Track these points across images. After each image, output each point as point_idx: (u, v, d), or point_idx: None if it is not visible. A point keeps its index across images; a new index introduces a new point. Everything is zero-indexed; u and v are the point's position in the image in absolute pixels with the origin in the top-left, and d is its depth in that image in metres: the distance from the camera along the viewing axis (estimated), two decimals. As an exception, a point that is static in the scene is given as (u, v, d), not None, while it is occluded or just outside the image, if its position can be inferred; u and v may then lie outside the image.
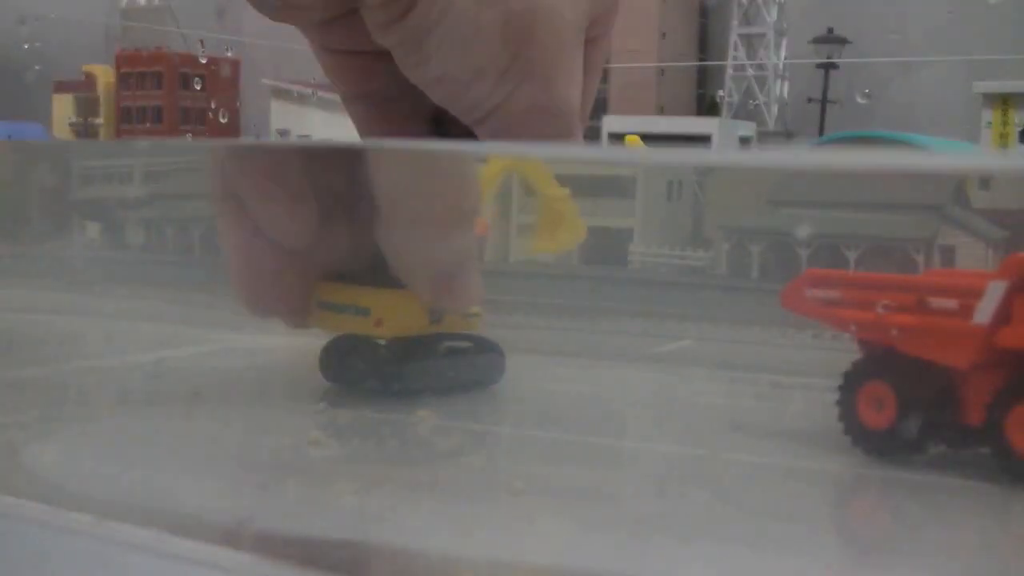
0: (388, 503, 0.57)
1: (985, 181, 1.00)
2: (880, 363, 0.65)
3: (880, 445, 0.64)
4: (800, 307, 0.70)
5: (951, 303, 0.63)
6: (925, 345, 0.63)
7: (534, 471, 0.65)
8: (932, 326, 0.63)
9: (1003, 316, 0.61)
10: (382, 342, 0.77)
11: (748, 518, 0.56)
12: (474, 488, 0.61)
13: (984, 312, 0.61)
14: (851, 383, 0.65)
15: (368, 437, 0.73)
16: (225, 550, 0.49)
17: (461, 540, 0.52)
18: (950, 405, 0.63)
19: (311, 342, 0.80)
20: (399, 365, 0.78)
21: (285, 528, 0.53)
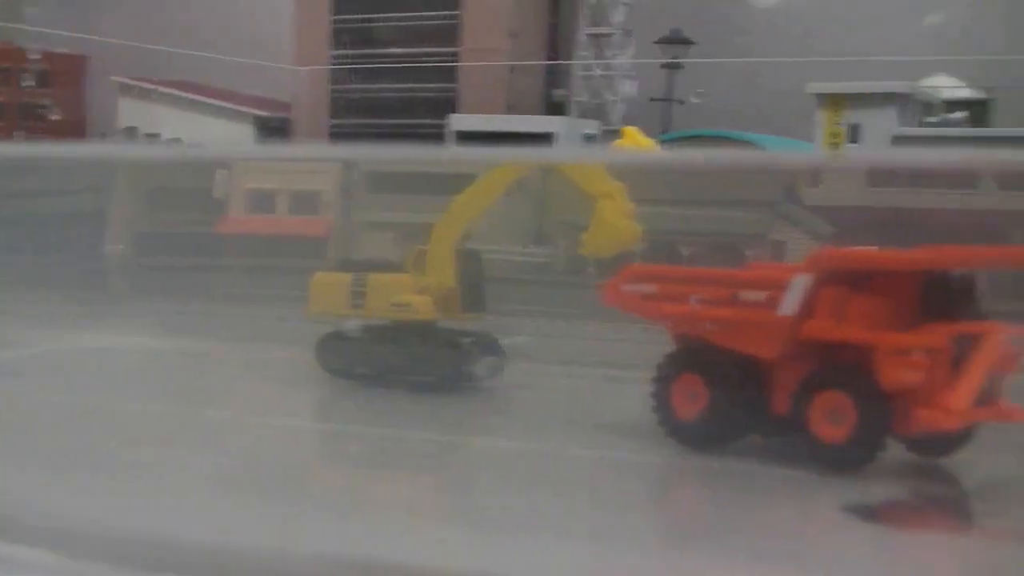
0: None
1: (815, 178, 1.04)
2: (693, 355, 0.66)
3: (693, 436, 0.65)
4: (619, 302, 0.70)
5: (760, 296, 0.65)
6: (735, 337, 0.65)
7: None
8: (742, 318, 0.65)
9: (808, 309, 0.63)
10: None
11: (578, 510, 0.58)
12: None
13: (789, 305, 0.63)
14: (665, 376, 0.67)
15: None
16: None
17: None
18: (759, 395, 0.64)
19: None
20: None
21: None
